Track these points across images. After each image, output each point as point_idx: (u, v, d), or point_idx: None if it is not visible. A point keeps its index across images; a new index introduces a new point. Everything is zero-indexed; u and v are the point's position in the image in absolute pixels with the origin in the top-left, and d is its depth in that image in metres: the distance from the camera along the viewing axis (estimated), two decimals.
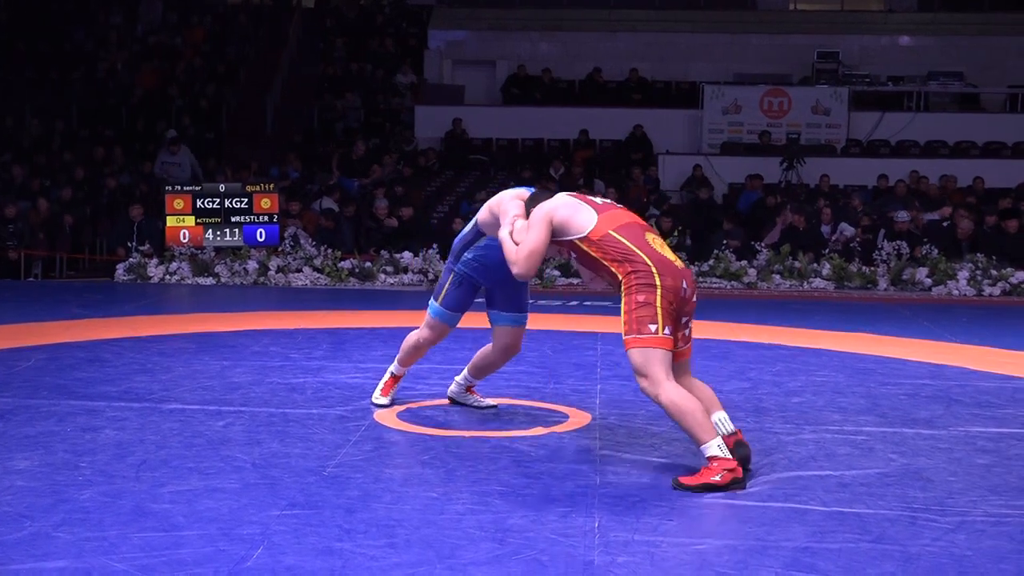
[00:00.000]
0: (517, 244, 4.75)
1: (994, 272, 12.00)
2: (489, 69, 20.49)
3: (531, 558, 3.59)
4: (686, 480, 4.34)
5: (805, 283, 12.24)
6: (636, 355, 4.43)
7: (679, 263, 4.57)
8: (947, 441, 5.27)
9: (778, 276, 12.35)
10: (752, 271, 12.33)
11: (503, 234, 4.85)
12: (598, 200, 4.80)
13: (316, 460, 4.72)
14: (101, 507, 4.01)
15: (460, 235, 5.57)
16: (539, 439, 5.18)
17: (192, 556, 3.53)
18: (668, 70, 20.23)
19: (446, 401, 5.90)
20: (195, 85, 19.46)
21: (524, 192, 5.08)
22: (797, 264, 12.38)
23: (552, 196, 4.84)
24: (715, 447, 4.33)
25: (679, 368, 4.57)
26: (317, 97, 19.88)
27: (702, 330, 8.75)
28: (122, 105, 18.89)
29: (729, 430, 4.59)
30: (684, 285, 4.48)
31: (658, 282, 4.42)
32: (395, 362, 5.83)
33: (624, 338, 4.49)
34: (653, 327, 4.38)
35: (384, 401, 5.81)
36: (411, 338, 5.72)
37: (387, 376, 5.87)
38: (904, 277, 12.16)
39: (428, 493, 4.30)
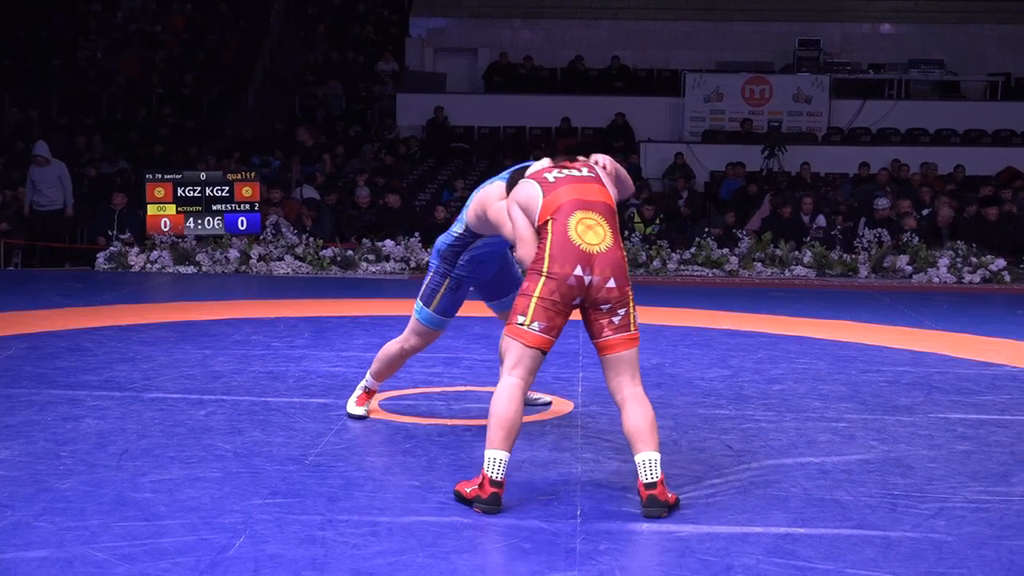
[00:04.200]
0: None
1: (974, 259, 12.04)
2: (471, 57, 20.45)
3: (513, 545, 3.60)
4: (457, 486, 4.13)
5: (786, 271, 12.27)
6: (503, 341, 4.39)
7: (593, 247, 4.12)
8: (927, 428, 5.30)
9: (759, 264, 12.37)
10: (734, 259, 12.35)
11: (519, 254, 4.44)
12: (551, 177, 4.35)
13: (298, 449, 4.72)
14: (82, 496, 4.00)
15: (449, 235, 5.08)
16: (521, 427, 5.17)
17: (174, 545, 3.53)
18: (650, 58, 20.23)
19: (428, 389, 5.89)
20: (175, 73, 19.36)
21: (503, 187, 4.73)
22: (778, 252, 12.40)
23: (522, 175, 4.54)
24: (488, 459, 3.99)
25: (616, 364, 4.15)
26: (299, 85, 19.81)
27: (684, 317, 8.80)
28: (102, 93, 18.78)
29: (648, 480, 3.94)
30: (580, 272, 4.07)
31: (544, 270, 4.14)
32: (368, 375, 5.35)
33: None
34: (521, 319, 4.15)
35: (360, 411, 5.33)
36: (392, 347, 5.25)
37: (359, 391, 5.38)
38: (885, 265, 12.19)
39: (410, 482, 4.30)
